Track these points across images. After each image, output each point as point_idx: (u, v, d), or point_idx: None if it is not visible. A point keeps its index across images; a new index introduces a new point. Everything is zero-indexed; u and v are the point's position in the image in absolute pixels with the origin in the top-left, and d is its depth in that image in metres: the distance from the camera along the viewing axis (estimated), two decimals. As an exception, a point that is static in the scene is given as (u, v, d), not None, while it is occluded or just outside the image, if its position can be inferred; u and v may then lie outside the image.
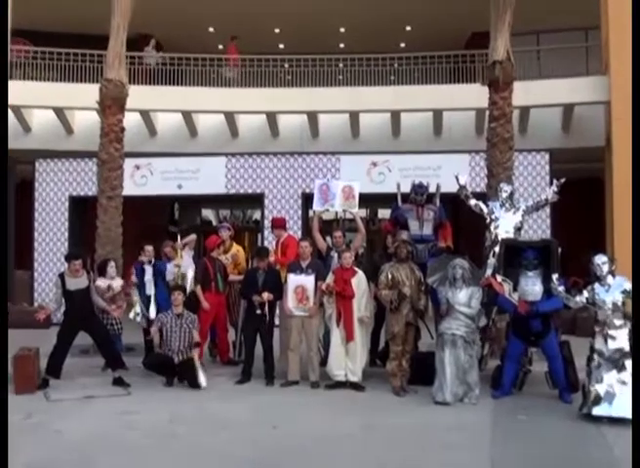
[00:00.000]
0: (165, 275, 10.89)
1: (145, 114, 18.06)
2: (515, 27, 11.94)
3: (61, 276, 9.30)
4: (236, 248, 11.39)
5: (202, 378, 9.02)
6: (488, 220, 9.91)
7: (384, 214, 19.05)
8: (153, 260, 10.91)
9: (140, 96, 15.15)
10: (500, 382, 8.60)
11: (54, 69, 18.87)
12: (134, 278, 10.82)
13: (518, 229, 9.82)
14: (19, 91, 17.62)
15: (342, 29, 23.55)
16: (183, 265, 11.06)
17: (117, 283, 10.72)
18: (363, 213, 18.61)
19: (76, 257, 9.39)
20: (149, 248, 10.96)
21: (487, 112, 12.44)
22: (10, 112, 17.78)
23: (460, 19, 20.77)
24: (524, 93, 14.08)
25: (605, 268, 7.82)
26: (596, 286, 7.80)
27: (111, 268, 10.75)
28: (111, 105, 12.68)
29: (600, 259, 7.91)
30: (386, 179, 15.65)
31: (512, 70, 11.88)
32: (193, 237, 12.00)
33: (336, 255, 9.76)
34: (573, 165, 17.56)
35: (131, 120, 14.71)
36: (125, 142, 13.18)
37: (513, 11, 11.85)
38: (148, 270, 10.81)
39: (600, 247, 15.02)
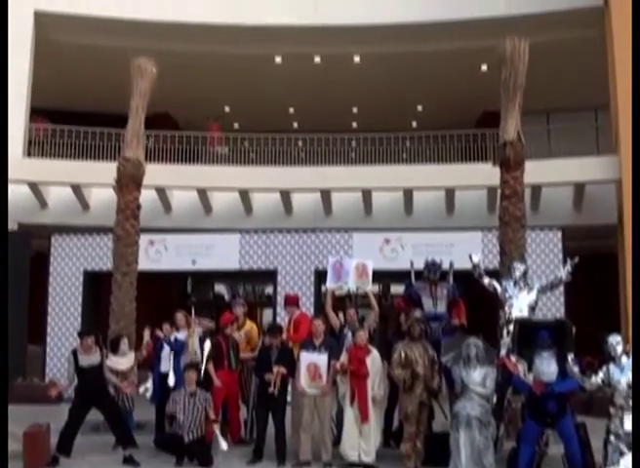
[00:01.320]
0: (182, 352, 10.82)
1: (161, 191, 18.32)
2: (525, 106, 12.14)
3: (74, 353, 9.32)
4: (249, 324, 11.38)
5: (223, 443, 8.98)
6: (502, 299, 9.91)
7: (397, 289, 19.01)
8: (172, 336, 10.91)
9: (156, 173, 15.42)
10: (516, 465, 8.44)
11: (71, 147, 19.27)
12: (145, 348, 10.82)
13: (532, 308, 9.81)
14: (37, 168, 18.07)
15: (355, 109, 24.05)
16: (195, 343, 11.01)
17: (129, 359, 10.71)
18: (376, 288, 18.60)
19: (89, 334, 9.44)
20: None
21: (498, 190, 12.56)
22: (27, 188, 18.13)
23: (471, 98, 21.23)
24: (535, 171, 14.21)
25: (619, 348, 7.77)
26: (611, 366, 7.74)
27: (124, 345, 10.75)
28: (128, 183, 12.88)
29: (614, 339, 7.86)
30: (399, 256, 15.72)
31: (523, 150, 12.02)
32: (211, 326, 11.91)
33: (349, 334, 9.74)
34: (585, 242, 17.61)
35: (146, 196, 14.93)
36: (140, 218, 13.34)
37: (523, 91, 12.07)
38: (166, 346, 10.81)
39: (614, 324, 14.91)
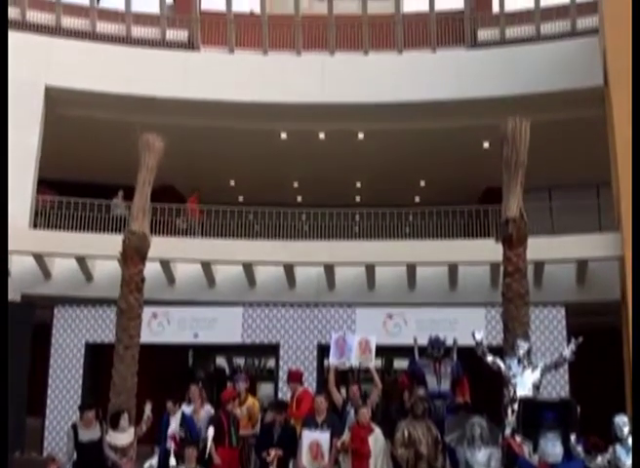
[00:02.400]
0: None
1: (165, 263, 18.38)
2: (527, 183, 12.29)
3: (74, 427, 9.23)
4: (251, 400, 11.28)
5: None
6: (506, 378, 9.84)
7: (400, 364, 18.91)
8: (180, 413, 10.78)
9: (160, 246, 15.47)
10: None
11: (77, 218, 19.43)
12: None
13: (536, 387, 9.73)
14: (42, 239, 18.17)
15: (358, 184, 24.32)
16: (201, 420, 10.88)
17: (129, 434, 10.57)
18: (379, 363, 18.46)
19: (89, 408, 9.37)
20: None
21: (501, 267, 12.59)
22: (31, 259, 18.21)
23: (474, 174, 21.52)
24: (538, 248, 14.28)
25: (626, 430, 7.69)
26: (617, 447, 7.65)
27: (124, 420, 10.61)
28: (133, 256, 12.93)
29: (621, 420, 7.80)
30: (402, 332, 15.68)
31: (525, 228, 12.11)
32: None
33: (352, 411, 9.65)
34: (589, 318, 17.55)
35: (150, 268, 14.97)
36: (143, 290, 13.34)
37: (525, 168, 12.23)
38: (173, 423, 10.67)
39: (620, 402, 14.74)
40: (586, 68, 18.68)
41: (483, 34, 22.01)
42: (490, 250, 14.61)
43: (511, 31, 21.53)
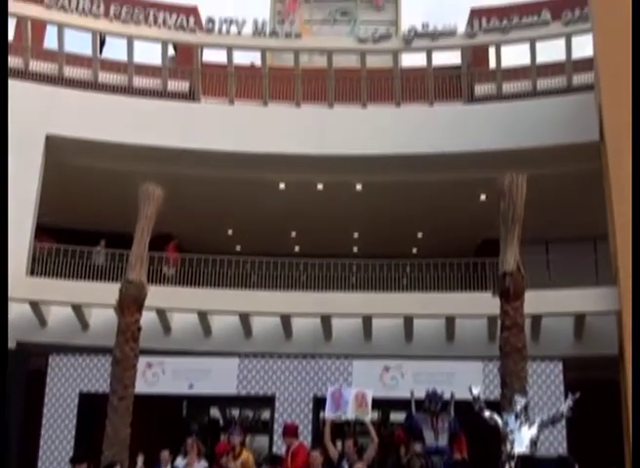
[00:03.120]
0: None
1: (161, 312, 18.31)
2: (525, 236, 12.34)
3: (66, 480, 9.09)
4: (246, 453, 11.13)
5: None
6: (503, 434, 9.73)
7: (397, 417, 18.72)
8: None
9: (157, 295, 15.46)
10: None
11: (75, 266, 19.41)
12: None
13: (534, 443, 9.61)
14: (39, 287, 18.14)
15: (356, 235, 24.38)
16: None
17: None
18: (375, 416, 18.29)
19: (81, 461, 9.22)
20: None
21: (499, 320, 12.57)
22: (27, 306, 18.13)
23: (471, 226, 21.60)
24: (535, 302, 14.27)
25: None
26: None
27: (116, 473, 10.48)
28: (130, 306, 12.91)
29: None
30: (399, 384, 15.59)
31: (523, 281, 12.12)
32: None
33: (347, 466, 9.53)
34: (587, 372, 17.44)
35: (146, 317, 14.92)
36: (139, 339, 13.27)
37: (522, 221, 12.30)
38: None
39: (618, 457, 14.58)
40: (582, 123, 18.91)
41: (480, 89, 22.39)
42: (487, 303, 14.63)
43: (508, 86, 21.90)
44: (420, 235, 24.17)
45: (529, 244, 14.05)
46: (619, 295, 16.92)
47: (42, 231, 20.03)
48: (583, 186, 19.46)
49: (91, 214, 22.33)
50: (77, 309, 18.50)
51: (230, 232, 24.19)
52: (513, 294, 12.01)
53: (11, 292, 13.69)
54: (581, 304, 17.52)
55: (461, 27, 22.05)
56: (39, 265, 19.44)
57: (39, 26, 21.78)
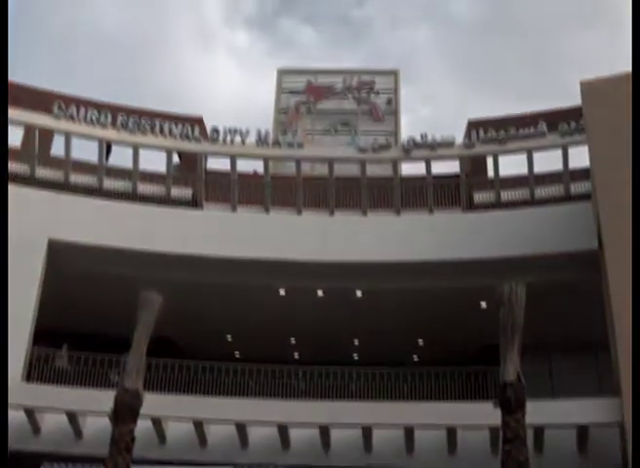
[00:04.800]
0: None
1: (157, 421, 17.96)
2: (525, 344, 12.23)
3: None
4: None
5: None
6: None
7: None
8: None
9: (153, 403, 15.17)
10: None
11: (72, 371, 19.21)
12: None
13: None
14: (34, 393, 17.87)
15: (356, 341, 24.24)
16: None
17: None
18: None
19: None
20: None
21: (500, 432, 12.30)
22: (22, 413, 17.80)
23: (471, 332, 21.49)
24: (537, 412, 13.99)
25: None
26: None
27: None
28: (125, 415, 12.63)
29: None
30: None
31: (524, 392, 11.92)
32: None
33: None
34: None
35: (140, 425, 14.63)
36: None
37: (522, 329, 12.21)
38: None
39: None
40: (581, 232, 19.06)
41: (479, 197, 22.75)
42: (489, 413, 14.27)
43: (506, 195, 22.23)
44: (420, 342, 24.03)
45: (530, 352, 13.90)
46: (621, 407, 16.62)
47: (40, 335, 19.89)
48: (583, 295, 19.43)
49: (89, 318, 22.27)
50: (72, 417, 18.15)
51: (230, 338, 24.07)
52: (514, 406, 11.77)
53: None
54: (584, 416, 17.14)
55: (459, 138, 22.61)
56: (36, 370, 19.24)
57: (47, 135, 22.30)
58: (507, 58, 55.67)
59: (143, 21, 58.11)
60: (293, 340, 24.29)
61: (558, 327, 20.95)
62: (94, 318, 22.19)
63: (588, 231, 18.85)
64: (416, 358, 24.34)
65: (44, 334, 20.29)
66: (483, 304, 20.71)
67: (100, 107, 22.10)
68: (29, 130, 21.74)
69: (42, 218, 19.74)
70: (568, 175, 21.61)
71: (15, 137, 22.16)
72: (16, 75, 22.18)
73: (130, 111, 22.52)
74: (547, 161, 22.47)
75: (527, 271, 17.57)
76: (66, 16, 56.08)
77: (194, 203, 22.44)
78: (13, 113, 20.36)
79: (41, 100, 21.89)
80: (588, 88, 18.80)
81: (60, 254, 19.80)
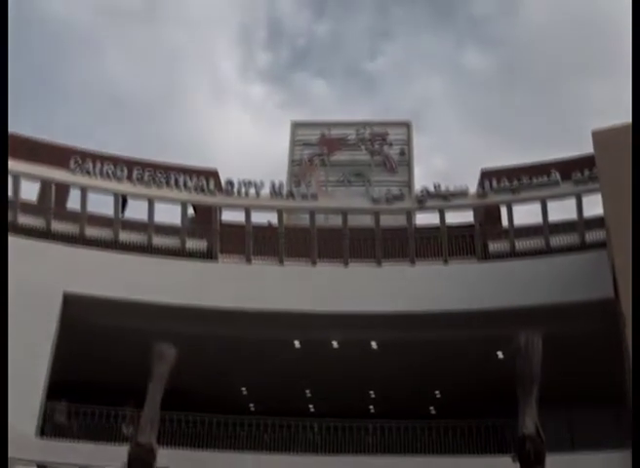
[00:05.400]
0: None
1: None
2: (544, 395, 12.03)
3: None
4: None
5: None
6: None
7: None
8: None
9: (167, 457, 15.01)
10: None
11: (85, 425, 19.08)
12: None
13: None
14: (48, 448, 17.76)
15: (372, 393, 23.99)
16: None
17: None
18: None
19: None
20: None
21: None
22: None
23: (490, 383, 21.10)
24: (557, 466, 13.52)
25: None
26: None
27: None
28: (138, 470, 12.54)
29: None
30: None
31: (543, 445, 11.69)
32: None
33: None
34: None
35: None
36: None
37: (540, 380, 12.03)
38: None
39: None
40: (597, 280, 18.94)
41: (493, 246, 22.65)
42: (508, 467, 14.06)
43: (521, 244, 22.14)
44: (437, 393, 23.72)
45: (548, 404, 13.66)
46: (645, 458, 16.26)
47: (54, 387, 19.80)
48: (602, 344, 19.21)
49: (104, 371, 22.16)
50: (84, 471, 18.00)
51: (244, 390, 23.87)
52: (534, 459, 11.51)
53: (19, 454, 13.48)
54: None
55: (473, 188, 22.64)
56: (50, 424, 19.12)
57: (63, 189, 22.53)
58: (519, 108, 56.14)
59: (159, 76, 59.18)
60: (308, 393, 24.07)
61: (577, 377, 20.65)
62: (108, 370, 22.07)
63: (605, 280, 18.73)
64: (433, 410, 24.00)
65: (58, 388, 20.24)
66: (500, 354, 20.47)
67: (116, 161, 22.35)
68: (46, 184, 21.97)
69: (57, 272, 19.83)
70: (582, 224, 21.51)
71: (31, 191, 22.47)
72: (33, 130, 22.63)
73: (145, 165, 22.75)
74: (562, 209, 22.44)
75: (544, 321, 17.42)
76: (84, 71, 57.16)
77: (209, 255, 22.49)
78: (29, 168, 20.74)
79: (58, 155, 22.16)
80: (600, 137, 18.87)
81: (74, 307, 19.84)
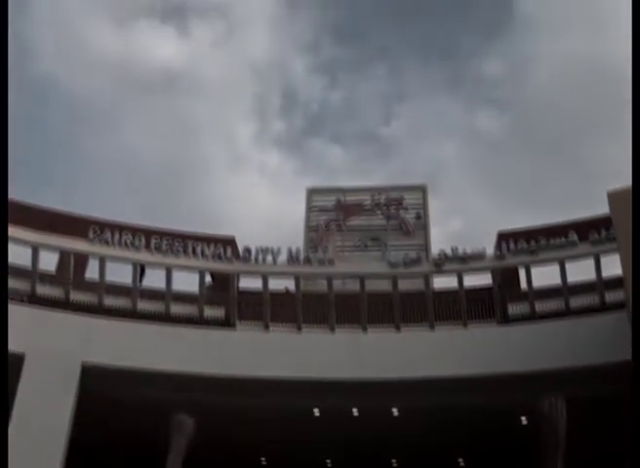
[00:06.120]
0: None
1: None
2: (569, 460, 11.83)
3: None
4: None
5: None
6: None
7: None
8: None
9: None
10: None
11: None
12: None
13: None
14: None
15: (394, 462, 23.56)
16: None
17: None
18: None
19: None
20: None
21: None
22: None
23: (513, 450, 20.76)
24: None
25: None
26: None
27: None
28: None
29: None
30: None
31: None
32: None
33: None
34: None
35: None
36: None
37: (565, 444, 11.83)
38: None
39: None
40: (617, 343, 18.62)
41: (513, 309, 22.43)
42: None
43: (541, 306, 21.94)
44: (461, 462, 23.25)
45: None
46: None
47: (73, 455, 19.58)
48: (627, 407, 18.80)
49: (123, 440, 21.93)
50: None
51: (264, 460, 23.51)
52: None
53: None
54: None
55: (490, 249, 22.59)
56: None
57: (82, 259, 22.68)
58: (533, 168, 56.29)
59: (176, 146, 60.02)
60: (328, 462, 23.66)
61: (602, 440, 20.19)
62: (126, 440, 21.86)
63: (625, 342, 18.44)
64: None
65: (77, 458, 20.04)
66: (523, 420, 20.12)
67: (134, 231, 22.54)
68: (65, 254, 22.14)
69: (75, 342, 19.81)
70: (602, 285, 21.34)
71: (50, 262, 22.62)
72: (53, 201, 22.97)
73: (163, 234, 22.93)
74: (581, 270, 22.29)
75: (565, 384, 17.12)
76: (102, 142, 58.12)
77: (227, 322, 22.43)
78: (48, 238, 20.96)
79: (77, 226, 22.39)
80: (616, 197, 18.83)
81: (93, 378, 19.75)
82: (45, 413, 17.67)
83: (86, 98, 56.12)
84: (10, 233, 19.64)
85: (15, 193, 21.07)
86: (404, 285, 22.44)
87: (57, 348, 18.98)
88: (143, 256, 22.10)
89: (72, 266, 22.28)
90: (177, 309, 22.62)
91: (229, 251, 22.73)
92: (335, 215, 28.54)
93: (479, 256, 22.12)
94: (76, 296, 22.19)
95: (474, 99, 63.81)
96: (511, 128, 61.91)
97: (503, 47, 61.91)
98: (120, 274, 22.90)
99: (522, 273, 22.66)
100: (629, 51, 13.81)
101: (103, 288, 22.11)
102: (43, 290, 21.40)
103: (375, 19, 63.20)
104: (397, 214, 28.25)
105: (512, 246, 22.07)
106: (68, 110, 58.64)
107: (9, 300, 18.66)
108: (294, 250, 22.63)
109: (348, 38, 66.39)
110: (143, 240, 22.15)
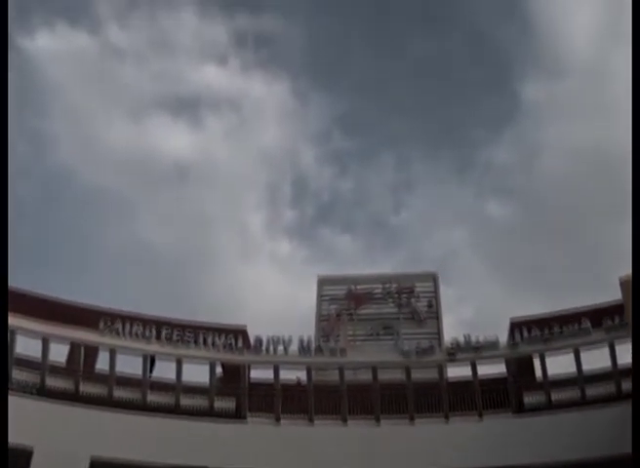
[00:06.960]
0: None
1: None
2: None
3: None
4: None
5: None
6: None
7: None
8: None
9: None
10: None
11: None
12: None
13: None
14: None
15: None
16: None
17: None
18: None
19: None
20: None
21: None
22: None
23: None
24: None
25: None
26: None
27: None
28: None
29: None
30: None
31: None
32: None
33: None
34: None
35: None
36: None
37: None
38: None
39: None
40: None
41: (528, 399, 22.02)
42: None
43: (557, 395, 21.55)
44: None
45: None
46: None
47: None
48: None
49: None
50: None
51: None
52: None
53: None
54: None
55: (503, 337, 22.37)
56: None
57: (92, 350, 22.55)
58: (544, 255, 56.15)
59: (188, 235, 60.44)
60: None
61: None
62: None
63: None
64: None
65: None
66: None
67: (145, 322, 22.46)
68: (75, 346, 22.04)
69: (85, 435, 19.60)
70: (617, 373, 20.96)
71: (60, 353, 22.45)
72: (65, 292, 23.08)
73: (174, 325, 22.85)
74: (596, 357, 21.98)
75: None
76: (114, 232, 58.58)
77: (238, 414, 22.08)
78: (59, 330, 20.92)
79: (88, 317, 22.34)
80: (628, 283, 18.74)
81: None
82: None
83: (99, 189, 56.86)
84: (20, 324, 19.80)
85: (25, 283, 21.30)
86: (417, 374, 22.14)
87: (66, 442, 18.73)
88: (154, 347, 22.00)
89: (82, 358, 22.14)
90: (187, 401, 22.32)
91: (240, 340, 22.60)
92: (346, 305, 28.39)
93: (492, 345, 21.91)
94: (86, 388, 21.95)
95: (483, 187, 64.34)
96: (521, 214, 62.16)
97: (511, 135, 62.81)
98: (130, 365, 22.73)
99: (536, 361, 22.35)
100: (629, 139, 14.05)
101: (114, 380, 21.91)
102: (53, 382, 21.19)
103: (383, 110, 64.50)
104: (409, 302, 28.08)
105: (525, 334, 21.88)
106: (82, 201, 59.47)
107: (19, 393, 18.76)
108: (305, 339, 22.52)
109: (357, 128, 67.52)
110: (154, 331, 22.07)
